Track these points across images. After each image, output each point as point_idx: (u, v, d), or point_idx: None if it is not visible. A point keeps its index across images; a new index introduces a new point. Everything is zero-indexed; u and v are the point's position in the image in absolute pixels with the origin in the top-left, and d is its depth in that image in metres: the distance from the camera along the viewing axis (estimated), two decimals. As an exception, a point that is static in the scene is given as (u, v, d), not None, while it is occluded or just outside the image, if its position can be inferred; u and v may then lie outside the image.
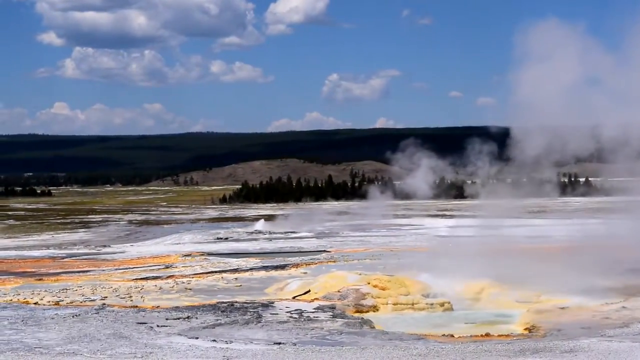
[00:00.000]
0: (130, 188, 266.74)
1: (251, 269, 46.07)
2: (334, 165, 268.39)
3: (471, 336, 26.57)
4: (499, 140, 49.34)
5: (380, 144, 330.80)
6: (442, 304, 32.70)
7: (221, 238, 72.55)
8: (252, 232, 78.64)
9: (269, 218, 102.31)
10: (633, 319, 28.23)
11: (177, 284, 40.23)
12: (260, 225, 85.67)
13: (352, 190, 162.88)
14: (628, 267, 40.52)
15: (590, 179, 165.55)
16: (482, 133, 50.39)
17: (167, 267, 48.51)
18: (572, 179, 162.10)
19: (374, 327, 28.45)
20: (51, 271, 48.05)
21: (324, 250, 57.30)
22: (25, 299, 35.12)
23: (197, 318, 29.68)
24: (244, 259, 52.39)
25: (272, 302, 33.20)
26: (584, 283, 34.47)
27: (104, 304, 33.44)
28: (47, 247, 68.01)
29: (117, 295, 36.07)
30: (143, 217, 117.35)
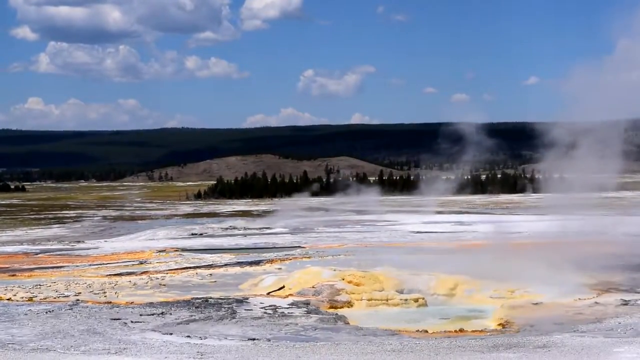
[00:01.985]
0: (104, 184, 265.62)
1: (226, 265, 46.08)
2: (309, 161, 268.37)
3: (445, 332, 26.75)
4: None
5: (355, 140, 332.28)
6: (416, 300, 32.82)
7: (196, 234, 72.46)
8: (226, 228, 78.53)
9: (244, 214, 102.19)
10: (605, 314, 28.47)
11: (151, 279, 40.16)
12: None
13: (327, 186, 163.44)
14: (601, 263, 40.81)
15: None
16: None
17: (142, 263, 48.39)
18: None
19: (348, 323, 28.56)
20: (25, 267, 47.86)
21: (299, 246, 57.33)
22: (-2, 295, 34.95)
23: (171, 314, 29.66)
24: (219, 254, 52.39)
25: (247, 298, 33.24)
26: (558, 278, 34.68)
27: (78, 300, 33.36)
28: (21, 242, 67.63)
29: (91, 291, 35.96)
30: (117, 213, 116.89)
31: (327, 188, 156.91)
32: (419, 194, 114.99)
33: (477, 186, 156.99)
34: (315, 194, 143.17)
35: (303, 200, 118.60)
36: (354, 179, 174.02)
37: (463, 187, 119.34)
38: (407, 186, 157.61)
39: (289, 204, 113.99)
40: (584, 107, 50.72)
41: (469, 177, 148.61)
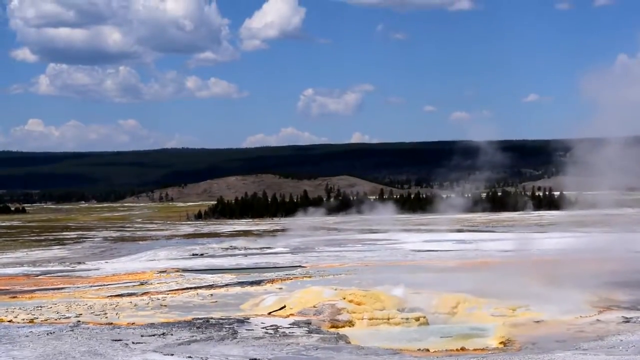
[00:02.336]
0: (105, 204, 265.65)
1: (227, 285, 45.94)
2: (310, 180, 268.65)
3: (446, 350, 26.69)
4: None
5: (355, 159, 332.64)
6: (417, 319, 32.73)
7: (197, 254, 72.30)
8: (227, 248, 78.50)
9: (245, 234, 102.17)
10: (607, 332, 28.43)
11: (152, 300, 40.06)
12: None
13: (327, 206, 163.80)
14: (602, 280, 40.81)
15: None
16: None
17: (142, 284, 48.27)
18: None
19: (349, 342, 28.47)
20: (25, 288, 47.72)
21: (300, 266, 57.27)
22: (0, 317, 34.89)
23: (172, 334, 29.60)
24: (220, 274, 52.23)
25: (248, 318, 33.18)
26: (559, 296, 34.69)
27: (79, 321, 33.28)
28: (21, 264, 67.57)
29: (92, 313, 35.88)
30: (118, 234, 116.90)
31: (337, 206, 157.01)
32: (431, 211, 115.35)
33: (494, 203, 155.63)
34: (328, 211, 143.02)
35: (301, 220, 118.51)
36: (354, 198, 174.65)
37: (475, 205, 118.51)
38: (414, 205, 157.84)
39: (289, 223, 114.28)
40: (600, 122, 50.46)
41: (470, 195, 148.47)
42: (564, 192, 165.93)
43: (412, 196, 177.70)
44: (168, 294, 42.34)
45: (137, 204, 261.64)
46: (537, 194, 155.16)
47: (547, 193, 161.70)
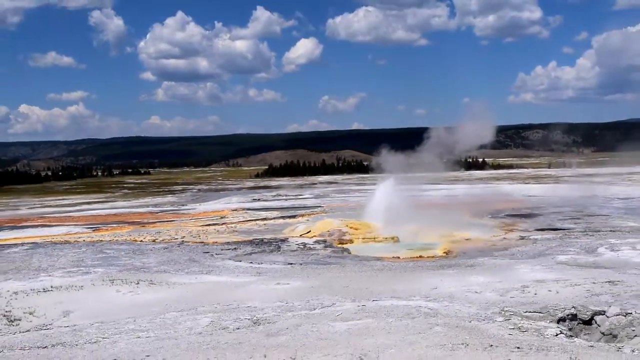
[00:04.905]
0: (199, 169, 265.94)
1: (274, 218, 46.27)
2: (327, 153, 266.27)
3: (410, 257, 26.85)
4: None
5: (355, 139, 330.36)
6: (392, 238, 32.93)
7: (255, 199, 72.62)
8: (274, 195, 78.71)
9: (286, 186, 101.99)
10: (510, 245, 28.56)
11: (227, 227, 40.50)
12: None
13: (337, 169, 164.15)
14: (507, 213, 40.69)
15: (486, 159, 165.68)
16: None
17: (222, 218, 48.70)
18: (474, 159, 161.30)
19: (350, 253, 28.75)
20: (150, 221, 48.38)
21: (319, 206, 57.42)
22: (134, 238, 35.42)
23: (240, 249, 29.91)
24: (270, 212, 52.60)
25: (287, 239, 33.47)
26: (480, 223, 34.68)
27: (183, 241, 33.73)
28: (147, 206, 68.21)
29: (190, 235, 36.34)
30: (207, 187, 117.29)
31: (338, 170, 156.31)
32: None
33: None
34: (328, 173, 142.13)
35: (322, 177, 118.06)
36: (354, 164, 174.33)
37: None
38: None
39: (313, 179, 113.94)
40: None
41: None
42: (485, 159, 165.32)
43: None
44: (237, 224, 42.77)
45: (219, 169, 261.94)
46: (468, 160, 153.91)
47: (474, 159, 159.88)
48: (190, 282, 21.38)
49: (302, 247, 30.26)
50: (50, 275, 23.22)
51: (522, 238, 30.41)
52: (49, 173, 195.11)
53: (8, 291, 20.20)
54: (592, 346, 12.50)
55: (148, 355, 11.69)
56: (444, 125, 48.57)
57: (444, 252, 28.01)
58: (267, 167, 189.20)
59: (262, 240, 32.96)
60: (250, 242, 32.09)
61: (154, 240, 33.97)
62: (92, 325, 15.45)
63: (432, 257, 26.78)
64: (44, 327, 15.78)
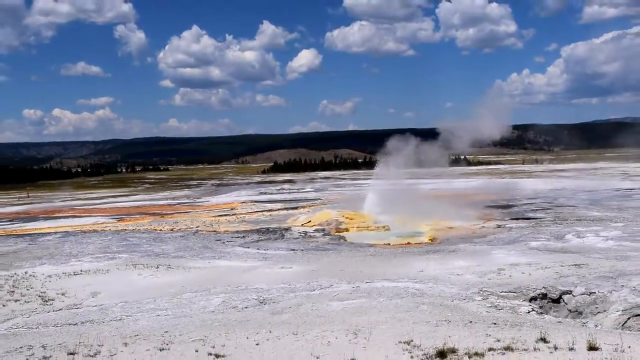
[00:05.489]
0: (212, 166, 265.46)
1: (278, 209, 46.17)
2: (325, 151, 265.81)
3: (399, 244, 26.80)
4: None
5: (351, 139, 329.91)
6: (384, 227, 32.88)
7: (262, 192, 72.53)
8: (279, 189, 78.58)
9: (289, 181, 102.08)
10: (488, 233, 28.50)
11: (237, 218, 40.42)
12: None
13: (334, 166, 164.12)
14: (486, 205, 40.64)
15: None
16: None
17: (232, 209, 48.58)
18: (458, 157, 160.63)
19: (346, 240, 28.69)
20: (168, 212, 48.32)
21: (319, 198, 57.31)
22: (154, 227, 35.35)
23: (248, 237, 29.88)
24: (275, 204, 52.47)
25: (290, 228, 33.40)
26: (462, 213, 34.60)
27: (197, 230, 33.67)
28: (166, 199, 68.10)
29: (204, 225, 36.28)
30: (219, 182, 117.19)
31: (334, 166, 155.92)
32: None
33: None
34: (327, 169, 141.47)
35: (321, 173, 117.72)
36: (350, 161, 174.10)
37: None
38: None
39: (313, 175, 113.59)
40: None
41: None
42: (467, 156, 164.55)
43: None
44: (246, 215, 42.68)
45: (230, 165, 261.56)
46: (451, 156, 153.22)
47: (457, 156, 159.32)
48: (204, 266, 21.41)
49: (303, 235, 30.20)
50: (80, 261, 23.26)
51: (499, 226, 30.37)
52: (79, 170, 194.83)
53: (43, 274, 20.25)
54: (560, 322, 12.56)
55: (166, 331, 11.71)
56: (449, 121, 47.15)
57: (429, 239, 27.91)
58: (272, 164, 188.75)
59: (267, 229, 32.85)
60: (257, 231, 32.04)
61: (171, 229, 33.89)
62: (117, 304, 15.50)
63: (419, 243, 26.72)
64: (75, 307, 15.81)
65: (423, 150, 44.38)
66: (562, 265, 18.26)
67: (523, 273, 17.41)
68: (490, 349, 9.04)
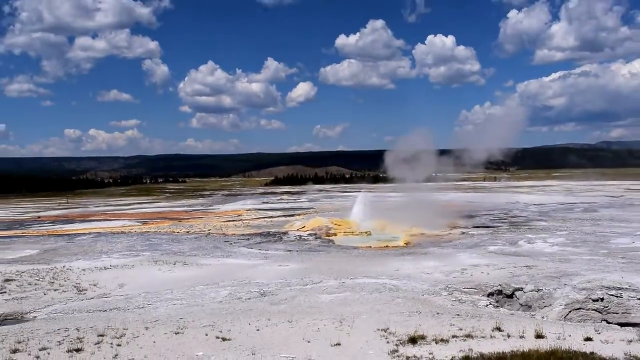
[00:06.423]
0: (223, 179, 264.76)
1: (278, 216, 45.99)
2: (319, 168, 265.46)
3: (379, 247, 26.71)
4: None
5: (340, 158, 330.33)
6: (366, 232, 32.78)
7: (264, 201, 72.24)
8: (279, 199, 78.32)
9: (288, 193, 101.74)
10: (454, 238, 28.44)
11: (243, 223, 40.20)
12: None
13: (326, 180, 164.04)
14: (455, 215, 40.60)
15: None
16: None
17: (238, 216, 48.33)
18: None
19: (334, 243, 28.52)
20: (185, 217, 48.03)
21: (312, 208, 57.19)
22: (172, 230, 35.11)
23: (252, 239, 29.74)
24: (275, 211, 52.30)
25: (287, 232, 33.25)
26: (433, 221, 34.49)
27: (209, 232, 33.47)
28: (183, 206, 67.70)
29: (215, 228, 36.06)
30: (228, 192, 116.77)
31: (331, 181, 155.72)
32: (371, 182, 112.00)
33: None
34: (319, 183, 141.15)
35: (314, 187, 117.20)
36: (338, 177, 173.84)
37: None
38: (372, 179, 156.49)
39: (308, 188, 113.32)
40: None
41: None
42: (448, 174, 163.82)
43: (366, 175, 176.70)
44: (250, 220, 42.49)
45: (237, 179, 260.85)
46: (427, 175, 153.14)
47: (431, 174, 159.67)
48: (214, 263, 21.30)
49: (298, 238, 30.12)
50: (109, 257, 23.11)
51: (463, 233, 30.38)
52: (110, 180, 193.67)
53: (78, 268, 20.10)
54: (512, 314, 12.59)
55: (181, 318, 11.65)
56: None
57: (404, 243, 27.85)
58: (273, 178, 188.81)
59: (268, 232, 32.76)
60: (260, 234, 31.92)
61: (187, 232, 33.71)
62: (140, 294, 15.38)
63: (396, 246, 26.66)
64: (104, 296, 15.69)
65: (407, 168, 43.78)
66: (515, 267, 18.31)
67: (482, 272, 17.43)
68: (454, 336, 9.06)
